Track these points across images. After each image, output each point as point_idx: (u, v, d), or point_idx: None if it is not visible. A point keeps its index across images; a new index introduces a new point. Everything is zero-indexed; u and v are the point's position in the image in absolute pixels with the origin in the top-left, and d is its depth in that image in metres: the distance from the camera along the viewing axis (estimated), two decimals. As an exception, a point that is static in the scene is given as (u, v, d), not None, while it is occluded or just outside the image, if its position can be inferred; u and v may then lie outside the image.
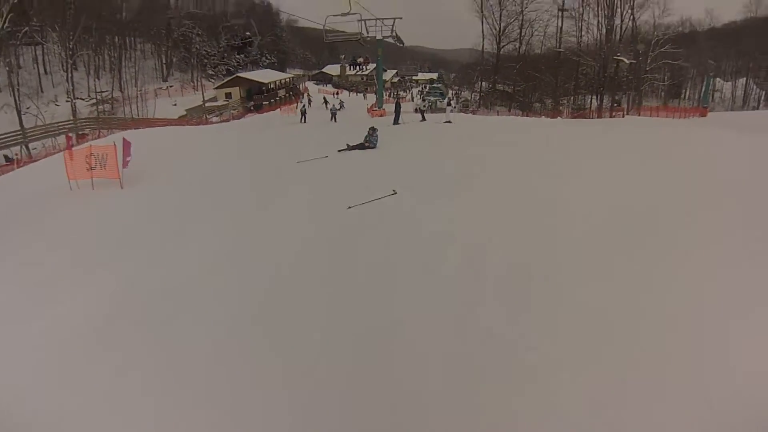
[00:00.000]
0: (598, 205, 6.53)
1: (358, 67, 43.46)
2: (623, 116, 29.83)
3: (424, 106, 26.27)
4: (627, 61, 34.90)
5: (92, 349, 4.12)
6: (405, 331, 4.08)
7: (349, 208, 7.16)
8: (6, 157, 19.26)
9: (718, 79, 36.02)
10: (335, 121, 24.72)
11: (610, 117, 31.51)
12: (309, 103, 33.90)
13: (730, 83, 37.77)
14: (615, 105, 35.30)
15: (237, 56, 49.05)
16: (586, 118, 31.02)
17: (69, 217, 7.95)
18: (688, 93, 39.06)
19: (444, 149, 12.31)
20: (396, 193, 7.72)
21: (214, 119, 31.91)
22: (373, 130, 12.90)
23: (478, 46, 42.06)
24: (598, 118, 31.79)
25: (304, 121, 25.46)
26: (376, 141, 12.79)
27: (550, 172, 8.51)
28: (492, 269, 4.99)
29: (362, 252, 5.69)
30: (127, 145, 9.80)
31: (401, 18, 27.08)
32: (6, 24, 28.12)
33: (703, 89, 34.38)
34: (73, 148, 10.35)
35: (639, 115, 28.45)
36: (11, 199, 9.53)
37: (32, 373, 3.89)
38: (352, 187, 8.37)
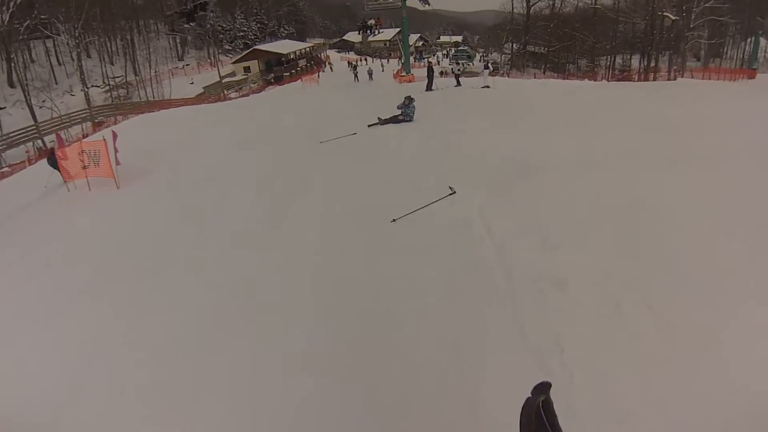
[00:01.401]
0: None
1: (370, 31, 40.17)
2: (675, 78, 26.22)
3: (459, 69, 23.83)
4: (672, 18, 31.52)
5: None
6: None
7: (393, 221, 5.30)
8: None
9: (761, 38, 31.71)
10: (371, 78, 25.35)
11: (654, 79, 28.28)
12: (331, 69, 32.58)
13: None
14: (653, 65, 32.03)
15: (253, 28, 47.08)
16: (630, 80, 27.74)
17: (48, 233, 6.57)
18: (729, 52, 35.39)
19: (498, 121, 10.11)
20: (454, 192, 5.79)
21: (233, 95, 30.28)
22: (409, 99, 10.85)
23: (504, 6, 40.05)
24: (645, 80, 28.58)
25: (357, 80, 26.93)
26: (413, 113, 10.80)
27: (658, 155, 6.42)
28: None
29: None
30: (114, 137, 8.45)
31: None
32: (8, 19, 27.16)
33: (751, 49, 30.96)
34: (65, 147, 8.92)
35: (692, 77, 24.89)
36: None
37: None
38: (390, 183, 6.54)
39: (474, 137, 8.68)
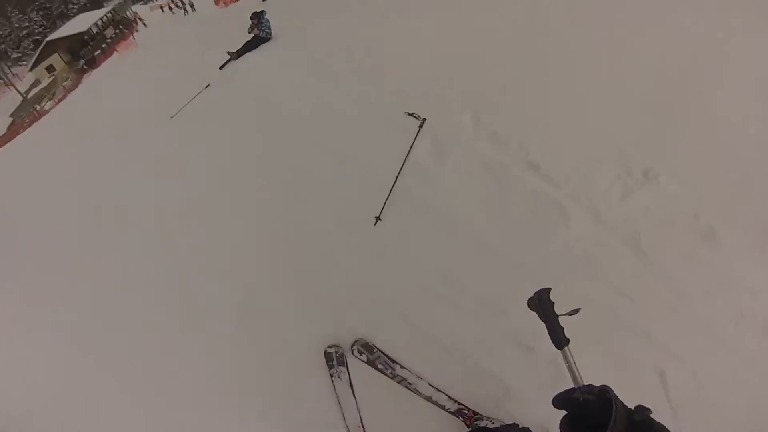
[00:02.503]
0: None
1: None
2: None
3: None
4: None
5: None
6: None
7: (378, 220, 3.26)
8: None
9: None
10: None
11: None
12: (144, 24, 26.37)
13: None
14: None
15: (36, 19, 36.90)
16: None
17: None
18: None
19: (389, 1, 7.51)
20: (419, 117, 3.92)
21: (47, 107, 23.76)
22: (257, 15, 7.94)
23: None
24: None
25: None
26: (269, 28, 7.97)
27: None
28: None
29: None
30: None
31: None
32: None
33: None
34: None
35: None
36: None
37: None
38: (324, 145, 4.21)
39: (372, 32, 6.23)
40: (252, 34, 7.86)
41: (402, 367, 2.51)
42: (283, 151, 4.37)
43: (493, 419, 2.21)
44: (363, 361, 2.59)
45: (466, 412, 2.30)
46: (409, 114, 3.93)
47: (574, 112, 3.42)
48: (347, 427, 2.42)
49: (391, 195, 3.28)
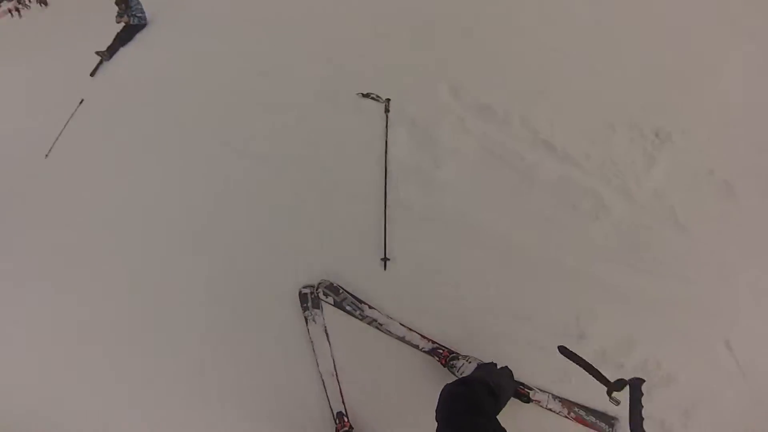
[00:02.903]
0: None
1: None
2: None
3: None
4: None
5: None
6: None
7: (384, 262, 2.58)
8: None
9: None
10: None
11: None
12: None
13: None
14: None
15: None
16: None
17: None
18: None
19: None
20: (387, 102, 3.11)
21: None
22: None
23: None
24: None
25: None
26: (142, 11, 6.37)
27: None
28: None
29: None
30: None
31: None
32: None
33: None
34: None
35: None
36: None
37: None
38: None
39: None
40: (122, 23, 6.24)
41: (371, 307, 2.39)
42: (211, 174, 3.31)
43: (470, 357, 2.07)
44: (330, 304, 2.47)
45: (441, 351, 2.18)
46: (364, 95, 2.97)
47: (568, 73, 2.94)
48: (321, 374, 2.31)
49: (388, 220, 2.54)
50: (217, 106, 3.91)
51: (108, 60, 6.00)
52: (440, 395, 1.49)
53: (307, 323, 2.44)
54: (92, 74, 5.94)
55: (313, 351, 2.36)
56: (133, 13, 6.24)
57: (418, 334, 2.25)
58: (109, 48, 6.06)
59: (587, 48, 3.04)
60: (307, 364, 2.34)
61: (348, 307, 2.41)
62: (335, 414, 2.19)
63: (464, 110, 2.80)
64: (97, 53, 6.03)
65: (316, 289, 2.48)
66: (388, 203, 2.54)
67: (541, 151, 2.60)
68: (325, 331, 2.41)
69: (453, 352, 2.15)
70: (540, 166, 2.55)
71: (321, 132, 3.10)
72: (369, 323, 2.36)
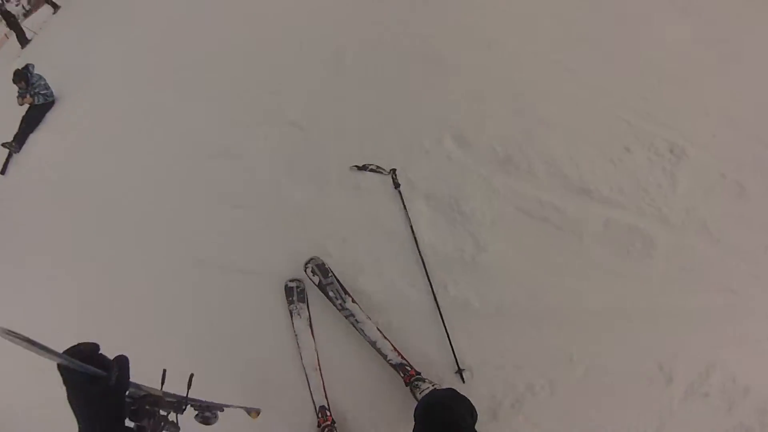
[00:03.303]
0: None
1: None
2: None
3: None
4: None
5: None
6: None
7: (461, 373, 2.22)
8: None
9: None
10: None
11: None
12: None
13: None
14: None
15: None
16: None
17: None
18: None
19: None
20: (393, 172, 2.84)
21: None
22: (22, 75, 5.38)
23: None
24: None
25: None
26: (47, 86, 5.51)
27: None
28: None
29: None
30: None
31: None
32: None
33: None
34: None
35: None
36: None
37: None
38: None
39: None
40: (25, 105, 5.35)
41: (353, 301, 2.33)
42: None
43: (436, 384, 2.01)
44: (314, 284, 2.42)
45: (409, 369, 2.10)
46: (360, 168, 2.54)
47: (571, 101, 2.83)
48: (304, 368, 2.28)
49: (447, 324, 2.24)
50: (169, 199, 3.32)
51: (18, 152, 5.10)
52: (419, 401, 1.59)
53: (291, 317, 2.40)
54: (3, 172, 5.02)
55: (297, 345, 2.33)
56: (36, 90, 5.37)
57: (391, 343, 2.17)
58: (15, 137, 5.16)
59: (583, 64, 2.97)
60: (291, 358, 2.32)
61: (331, 293, 2.36)
62: (318, 408, 2.17)
63: (481, 165, 2.48)
64: (4, 145, 5.11)
65: (306, 264, 2.43)
66: (441, 306, 2.24)
67: (578, 198, 2.47)
68: (310, 325, 2.37)
69: (419, 375, 2.07)
70: (583, 216, 2.41)
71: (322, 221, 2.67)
72: (346, 316, 2.31)
